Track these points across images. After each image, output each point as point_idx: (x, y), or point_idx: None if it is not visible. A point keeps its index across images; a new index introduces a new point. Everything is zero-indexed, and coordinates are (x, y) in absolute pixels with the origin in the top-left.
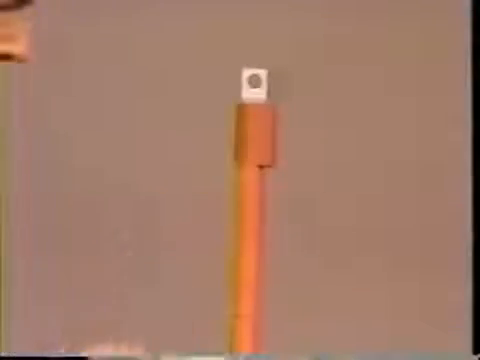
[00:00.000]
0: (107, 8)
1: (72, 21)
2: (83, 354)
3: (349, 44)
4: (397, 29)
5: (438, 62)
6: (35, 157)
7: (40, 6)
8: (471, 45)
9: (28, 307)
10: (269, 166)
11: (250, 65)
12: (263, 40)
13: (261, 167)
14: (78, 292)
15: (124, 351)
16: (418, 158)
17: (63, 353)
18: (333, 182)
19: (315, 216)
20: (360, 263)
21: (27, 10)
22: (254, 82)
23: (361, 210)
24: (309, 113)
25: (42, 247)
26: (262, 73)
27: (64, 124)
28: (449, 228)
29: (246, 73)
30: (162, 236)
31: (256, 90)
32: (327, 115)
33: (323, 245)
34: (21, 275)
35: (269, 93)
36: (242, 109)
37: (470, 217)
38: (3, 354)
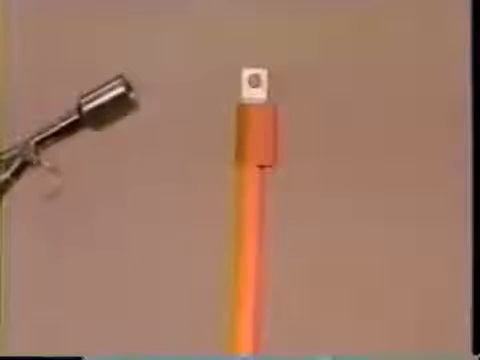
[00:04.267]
0: (107, 13)
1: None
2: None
3: (349, 44)
4: (396, 28)
5: (438, 65)
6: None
7: None
8: (471, 45)
9: (28, 308)
10: (269, 166)
11: (250, 65)
12: (263, 40)
13: (261, 167)
14: (78, 292)
15: None
16: (419, 178)
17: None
18: (332, 184)
19: (314, 216)
20: (359, 264)
21: None
22: (254, 82)
23: (359, 222)
24: (309, 113)
25: (42, 247)
26: (262, 73)
27: None
28: (448, 230)
29: (246, 73)
30: (163, 236)
31: (256, 90)
32: (327, 115)
33: (323, 245)
34: (21, 276)
35: (269, 93)
36: (242, 109)
37: (470, 219)
38: (3, 354)
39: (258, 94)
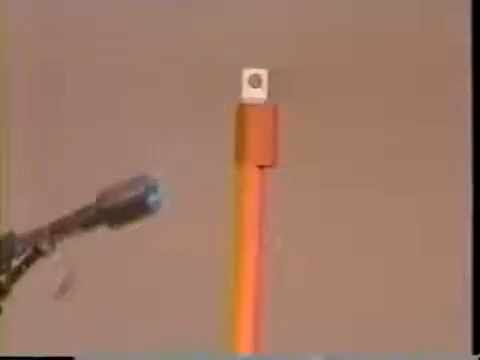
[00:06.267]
0: (110, 9)
1: None
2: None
3: (349, 44)
4: (397, 27)
5: (438, 64)
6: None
7: None
8: (471, 45)
9: (24, 308)
10: (269, 166)
11: (250, 65)
12: (263, 40)
13: (261, 167)
14: (78, 293)
15: None
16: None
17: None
18: (331, 185)
19: (314, 216)
20: (359, 263)
21: None
22: (254, 82)
23: (359, 221)
24: (309, 113)
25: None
26: (262, 73)
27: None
28: (448, 230)
29: (246, 73)
30: (162, 236)
31: (256, 90)
32: (327, 115)
33: (322, 245)
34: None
35: (269, 93)
36: (242, 109)
37: (470, 219)
38: (3, 354)
39: (258, 94)
